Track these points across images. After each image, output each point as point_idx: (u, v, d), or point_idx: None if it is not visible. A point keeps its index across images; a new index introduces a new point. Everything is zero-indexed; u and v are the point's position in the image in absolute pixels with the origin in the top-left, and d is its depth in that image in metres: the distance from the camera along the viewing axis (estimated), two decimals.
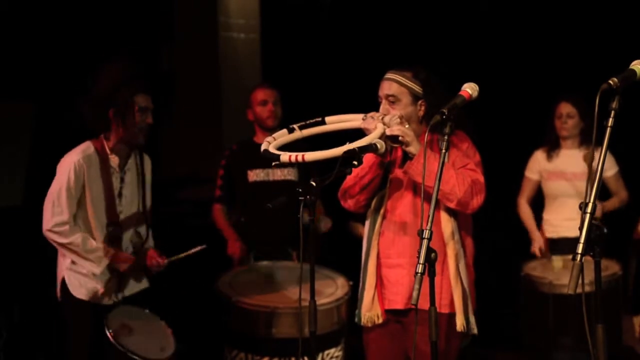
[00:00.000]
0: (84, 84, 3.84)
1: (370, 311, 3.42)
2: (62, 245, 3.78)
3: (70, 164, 3.78)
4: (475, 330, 3.39)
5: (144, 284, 4.03)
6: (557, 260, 5.15)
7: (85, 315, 3.80)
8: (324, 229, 4.97)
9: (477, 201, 3.28)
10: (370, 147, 3.15)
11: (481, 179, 3.32)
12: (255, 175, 4.89)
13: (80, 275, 3.81)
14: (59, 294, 3.88)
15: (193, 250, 4.01)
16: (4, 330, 4.71)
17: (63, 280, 3.83)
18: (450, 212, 3.34)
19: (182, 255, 4.01)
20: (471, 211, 3.32)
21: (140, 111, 3.82)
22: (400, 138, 3.22)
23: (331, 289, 4.49)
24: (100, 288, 3.81)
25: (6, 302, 4.97)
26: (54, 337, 3.90)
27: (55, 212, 3.75)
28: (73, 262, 3.81)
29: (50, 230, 3.76)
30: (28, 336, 5.04)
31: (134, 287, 3.98)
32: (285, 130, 3.42)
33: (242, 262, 4.85)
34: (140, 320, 3.94)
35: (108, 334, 3.74)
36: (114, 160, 3.87)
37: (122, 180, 3.90)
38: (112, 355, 3.76)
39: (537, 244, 5.28)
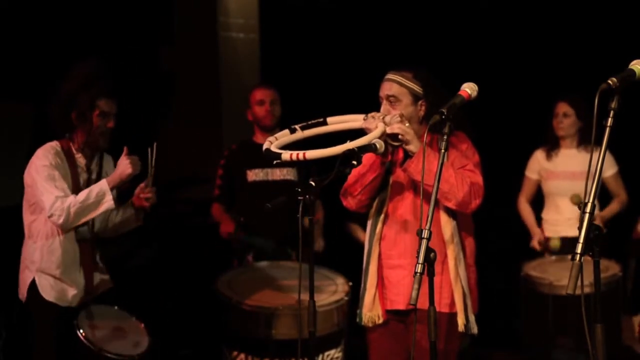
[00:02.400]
0: (54, 85, 3.78)
1: (371, 311, 3.43)
2: (68, 219, 3.62)
3: (49, 148, 3.72)
4: (475, 330, 3.39)
5: (109, 283, 3.96)
6: (555, 239, 5.18)
7: (53, 317, 3.73)
8: (316, 248, 4.96)
9: (476, 203, 3.30)
10: (370, 147, 3.14)
11: (480, 181, 3.32)
12: (255, 175, 4.89)
13: (51, 277, 3.74)
14: (24, 295, 3.79)
15: (153, 155, 3.76)
16: (3, 330, 4.70)
17: (33, 282, 3.75)
18: (450, 212, 3.34)
19: (152, 164, 3.76)
20: (469, 212, 3.33)
21: (101, 115, 3.73)
22: (400, 136, 3.22)
23: (331, 290, 4.48)
24: (70, 290, 3.75)
25: (6, 302, 4.96)
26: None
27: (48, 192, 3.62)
28: (43, 264, 3.73)
29: (50, 217, 3.63)
30: (28, 336, 5.03)
31: (100, 287, 3.90)
32: (287, 131, 3.43)
33: (241, 258, 4.84)
34: (111, 318, 3.91)
35: (79, 334, 3.70)
36: (81, 160, 3.80)
37: (88, 181, 3.81)
38: (84, 356, 3.71)
39: (537, 238, 5.32)
